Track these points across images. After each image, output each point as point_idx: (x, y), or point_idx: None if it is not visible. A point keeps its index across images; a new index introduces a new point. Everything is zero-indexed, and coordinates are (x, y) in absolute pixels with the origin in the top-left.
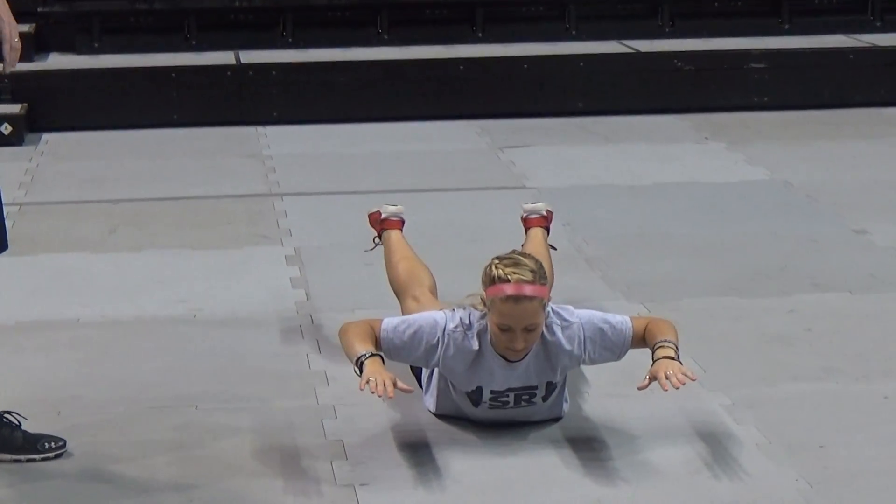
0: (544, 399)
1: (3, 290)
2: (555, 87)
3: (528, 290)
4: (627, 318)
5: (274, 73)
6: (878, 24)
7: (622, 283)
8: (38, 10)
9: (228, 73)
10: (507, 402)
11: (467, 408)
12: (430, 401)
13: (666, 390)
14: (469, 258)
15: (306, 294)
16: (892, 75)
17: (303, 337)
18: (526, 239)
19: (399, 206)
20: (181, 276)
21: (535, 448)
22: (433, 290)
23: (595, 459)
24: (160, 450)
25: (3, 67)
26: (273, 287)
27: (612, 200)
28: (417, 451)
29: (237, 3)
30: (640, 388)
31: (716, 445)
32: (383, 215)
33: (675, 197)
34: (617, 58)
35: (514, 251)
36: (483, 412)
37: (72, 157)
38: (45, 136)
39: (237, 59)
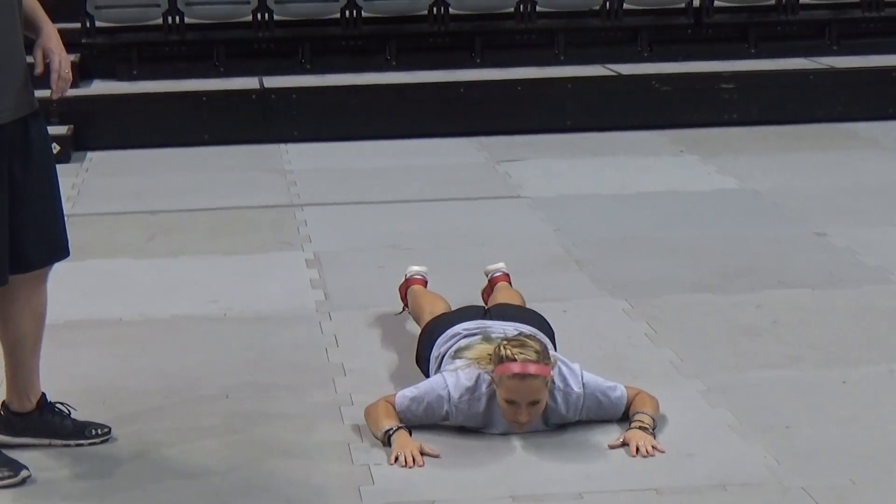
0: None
1: (54, 292)
2: (546, 106)
3: (533, 368)
4: (624, 392)
5: (294, 96)
6: (835, 48)
7: (608, 282)
8: (83, 41)
9: (253, 96)
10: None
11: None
12: None
13: (633, 456)
14: (470, 261)
15: (325, 294)
16: (848, 94)
17: (322, 333)
18: (494, 291)
19: (423, 267)
20: (212, 279)
21: (533, 430)
22: (448, 309)
23: (586, 440)
24: (197, 435)
25: (52, 95)
26: (295, 288)
27: (598, 208)
28: (426, 433)
29: (261, 34)
30: (610, 447)
31: (693, 427)
32: (408, 275)
33: (654, 204)
34: (601, 80)
35: (521, 334)
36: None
37: (114, 173)
38: (90, 155)
39: (261, 84)
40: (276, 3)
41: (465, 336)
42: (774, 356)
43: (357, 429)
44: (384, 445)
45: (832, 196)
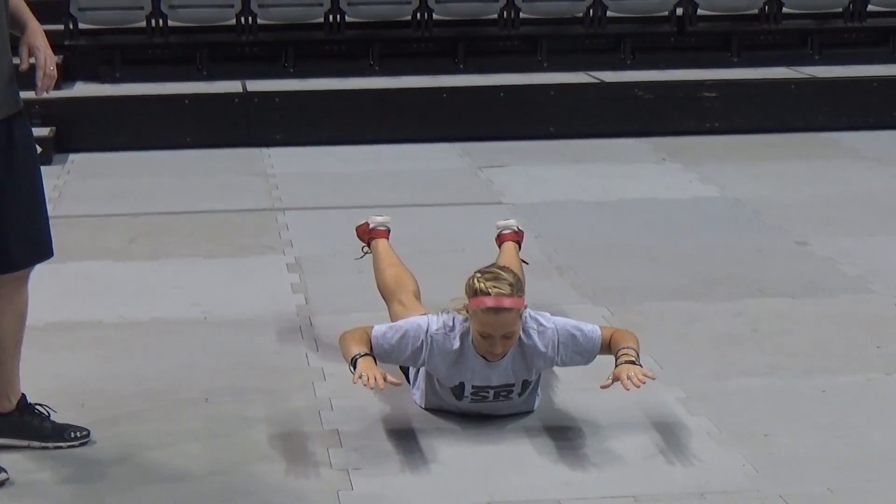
0: (520, 395)
1: (35, 294)
2: (529, 113)
3: (507, 302)
4: (597, 327)
5: (277, 100)
6: (817, 57)
7: (589, 288)
8: (66, 42)
9: (236, 100)
10: (487, 397)
11: (451, 401)
12: (417, 395)
13: (628, 389)
14: (451, 266)
15: (305, 298)
16: (829, 103)
17: (302, 337)
18: (500, 252)
19: (386, 217)
20: (193, 282)
21: (512, 436)
22: (417, 295)
23: (565, 447)
24: (177, 439)
25: (37, 92)
26: (275, 292)
27: (580, 215)
28: (405, 439)
29: (244, 38)
30: (602, 387)
31: (672, 434)
32: (371, 225)
33: (636, 212)
34: (584, 87)
35: (494, 265)
36: (465, 405)
37: (96, 176)
38: (72, 157)
39: (244, 87)
40: (259, 6)
41: None
42: (754, 364)
43: (336, 433)
44: (350, 370)
45: (813, 205)
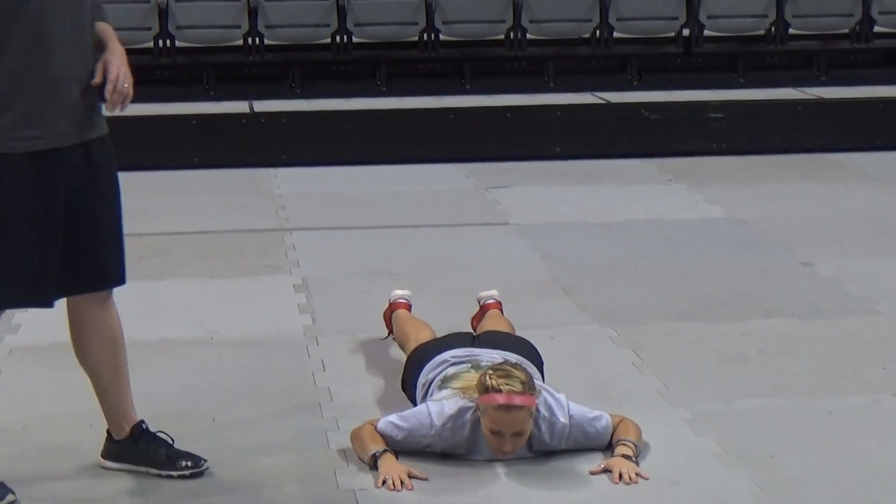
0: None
1: (42, 313)
2: (535, 133)
3: (518, 400)
4: (609, 422)
5: (284, 120)
6: (823, 78)
7: (594, 309)
8: None
9: (243, 120)
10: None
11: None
12: None
13: (616, 483)
14: (457, 286)
15: (312, 319)
16: (835, 125)
17: (309, 357)
18: (485, 318)
19: (407, 291)
20: (200, 302)
21: (518, 459)
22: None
23: (572, 468)
24: None
25: (106, 106)
26: (282, 312)
27: (586, 235)
28: (411, 460)
29: (251, 59)
30: (591, 473)
31: (677, 455)
32: (392, 299)
33: (642, 232)
34: (590, 108)
35: (506, 362)
36: None
37: None
38: None
39: (251, 108)
40: (266, 27)
41: (453, 364)
42: (760, 385)
43: (343, 454)
44: (371, 469)
45: (819, 226)
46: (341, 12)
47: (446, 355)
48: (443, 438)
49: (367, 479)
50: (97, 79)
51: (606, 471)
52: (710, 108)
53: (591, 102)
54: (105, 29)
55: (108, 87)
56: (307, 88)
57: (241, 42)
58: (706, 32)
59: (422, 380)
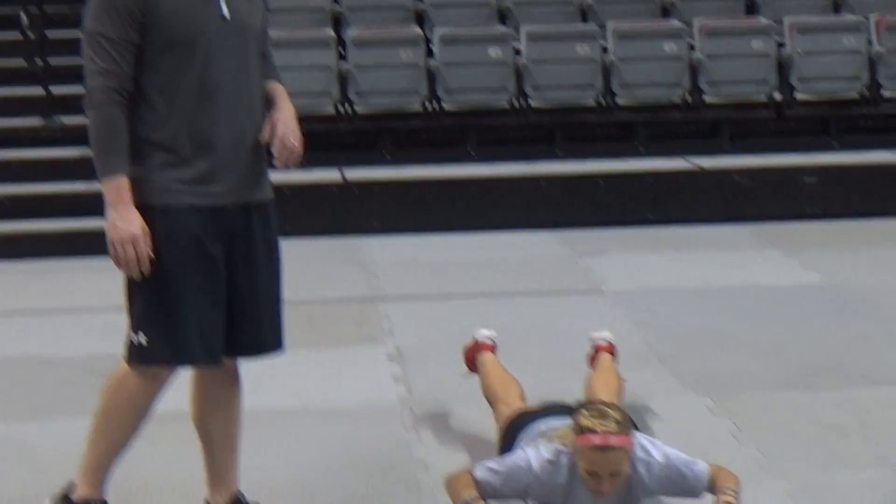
0: None
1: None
2: (627, 199)
3: (614, 440)
4: (706, 468)
5: (376, 188)
6: None
7: (690, 378)
8: None
9: (335, 188)
10: None
11: None
12: None
13: None
14: (552, 356)
15: (407, 388)
16: None
17: (404, 427)
18: (596, 371)
19: (492, 331)
20: (295, 373)
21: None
22: (522, 398)
23: None
24: None
25: (275, 162)
26: (377, 382)
27: (681, 302)
28: None
29: (342, 127)
30: None
31: None
32: (477, 339)
33: (737, 299)
34: (682, 173)
35: (601, 401)
36: None
37: None
38: None
39: (343, 176)
40: (357, 95)
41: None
42: (862, 456)
43: None
44: None
45: None
46: (431, 80)
47: (543, 427)
48: (540, 482)
49: None
50: (266, 136)
51: None
52: (803, 173)
53: (682, 168)
54: (276, 88)
55: (276, 144)
56: (398, 156)
57: (332, 111)
58: (798, 96)
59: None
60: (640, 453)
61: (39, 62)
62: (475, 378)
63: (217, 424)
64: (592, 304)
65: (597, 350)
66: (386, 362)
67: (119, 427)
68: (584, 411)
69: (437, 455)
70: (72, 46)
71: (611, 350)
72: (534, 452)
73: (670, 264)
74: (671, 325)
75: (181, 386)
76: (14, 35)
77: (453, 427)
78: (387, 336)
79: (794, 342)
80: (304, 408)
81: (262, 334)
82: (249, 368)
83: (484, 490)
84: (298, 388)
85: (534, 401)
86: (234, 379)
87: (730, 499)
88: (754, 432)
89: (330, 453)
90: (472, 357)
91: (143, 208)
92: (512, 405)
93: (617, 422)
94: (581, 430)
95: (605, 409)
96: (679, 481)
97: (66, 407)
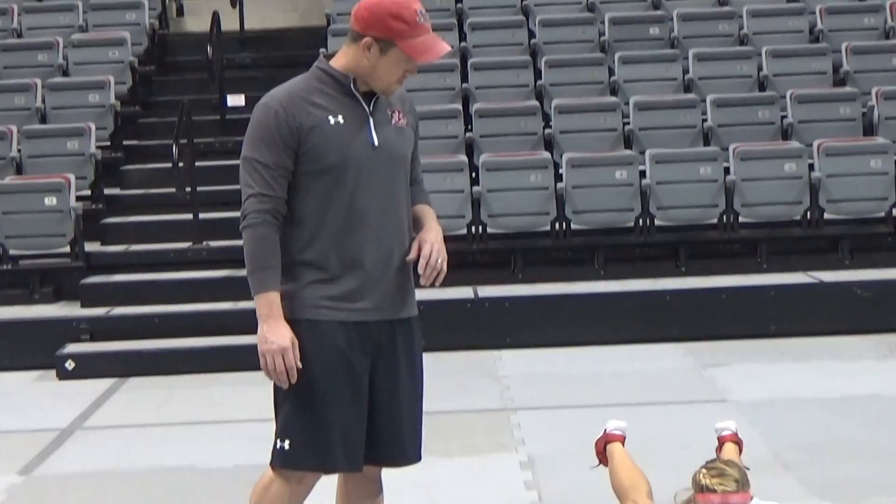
0: None
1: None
2: (750, 313)
3: (734, 499)
4: None
5: (507, 304)
6: None
7: (816, 485)
8: None
9: (468, 305)
10: None
11: None
12: None
13: None
14: (678, 464)
15: (539, 495)
16: None
17: None
18: (721, 452)
19: (622, 422)
20: (430, 480)
21: None
22: (650, 495)
23: None
24: None
25: (421, 280)
26: (509, 489)
27: (804, 411)
28: None
29: (475, 246)
30: None
31: None
32: (608, 430)
33: (861, 408)
34: (803, 287)
35: (718, 459)
36: None
37: None
38: None
39: (475, 293)
40: (489, 216)
41: None
42: None
43: None
44: None
45: None
46: (560, 201)
47: None
48: None
49: None
50: (412, 255)
51: None
52: None
53: (803, 282)
54: (425, 210)
55: (421, 263)
56: (529, 274)
57: (465, 231)
58: None
59: None
60: None
61: (188, 189)
62: (605, 482)
63: None
64: (718, 413)
65: (721, 441)
66: (518, 470)
67: None
68: (703, 470)
69: None
70: (218, 175)
71: (735, 440)
72: None
73: (793, 374)
74: (795, 433)
75: (326, 492)
76: (166, 164)
77: None
78: (518, 445)
79: None
80: None
81: (402, 445)
82: (389, 477)
83: None
84: (435, 496)
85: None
86: (376, 487)
87: None
88: None
89: None
90: (602, 449)
91: (293, 322)
92: (640, 503)
93: (735, 480)
94: (701, 489)
95: (724, 467)
96: None
97: None
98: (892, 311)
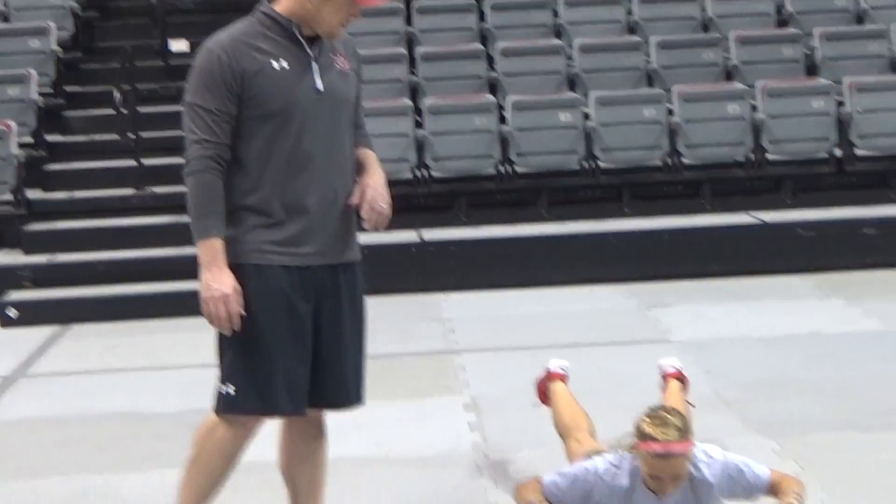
0: None
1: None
2: (693, 254)
3: (676, 447)
4: (767, 470)
5: (452, 248)
6: None
7: (756, 422)
8: None
9: (413, 248)
10: None
11: None
12: None
13: None
14: (622, 403)
15: (482, 436)
16: None
17: (480, 474)
18: (666, 389)
19: (564, 361)
20: (375, 423)
21: None
22: (593, 434)
23: None
24: None
25: (364, 225)
26: (453, 431)
27: (746, 350)
28: None
29: (419, 190)
30: None
31: None
32: (550, 369)
33: (801, 346)
34: (746, 228)
35: (662, 407)
36: None
37: None
38: None
39: (420, 237)
40: (433, 160)
41: None
42: None
43: None
44: None
45: None
46: (504, 144)
47: None
48: (604, 484)
49: None
50: (354, 199)
51: None
52: (864, 225)
53: (746, 222)
54: (368, 155)
55: (365, 207)
56: (473, 217)
57: (410, 175)
58: (857, 152)
59: None
60: (700, 455)
61: (132, 136)
62: (548, 423)
63: (303, 473)
64: (660, 353)
65: (665, 378)
66: (462, 412)
67: (208, 475)
68: (645, 418)
69: (511, 500)
70: (161, 121)
71: (679, 377)
72: (599, 459)
73: (736, 314)
74: (737, 372)
75: (268, 437)
76: (108, 111)
77: (526, 471)
78: (463, 387)
79: (856, 386)
80: (385, 456)
81: (346, 388)
82: (333, 419)
83: (550, 494)
84: (379, 438)
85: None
86: (320, 430)
87: (792, 500)
88: (818, 473)
89: (409, 499)
90: (544, 388)
91: (237, 267)
92: (583, 442)
93: (678, 429)
94: (643, 437)
95: (666, 415)
96: (740, 480)
97: (158, 460)
98: (833, 250)
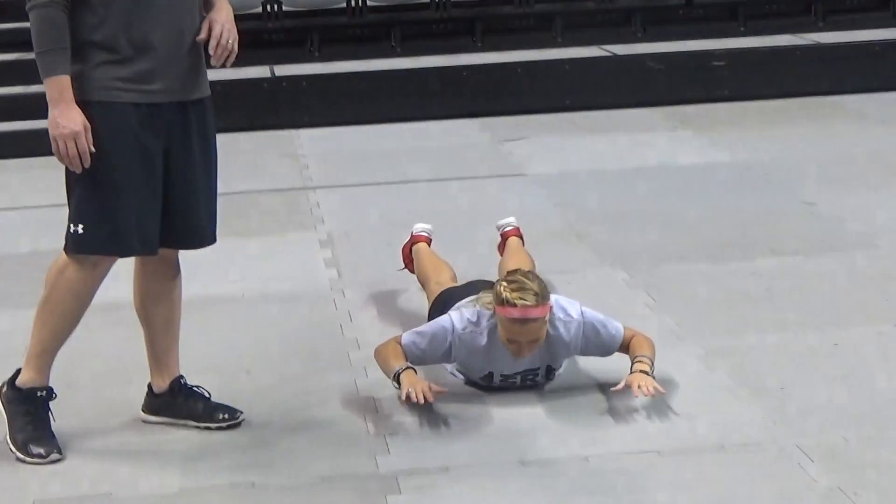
0: (546, 378)
1: None
2: (545, 87)
3: (533, 313)
4: (621, 327)
5: (304, 83)
6: (821, 24)
7: (608, 253)
8: None
9: (265, 84)
10: (515, 383)
11: (480, 384)
12: (450, 367)
13: (636, 396)
14: (476, 236)
15: (338, 272)
16: (834, 69)
17: (336, 309)
18: (506, 253)
19: (428, 225)
20: (230, 261)
21: (537, 398)
22: (453, 279)
23: (589, 406)
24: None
25: (211, 61)
26: (309, 267)
27: (598, 183)
28: (435, 405)
29: (270, 25)
30: (613, 391)
31: (692, 390)
32: (414, 232)
33: (651, 179)
34: (597, 60)
35: (519, 272)
36: (494, 388)
37: None
38: None
39: (272, 72)
40: None
41: None
42: (769, 321)
43: (372, 400)
44: (395, 387)
45: (820, 166)
46: None
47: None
48: (462, 342)
49: (395, 424)
50: (202, 35)
51: (627, 387)
52: (713, 57)
53: (597, 55)
54: None
55: (212, 43)
56: (326, 52)
57: (260, 10)
58: None
59: None
60: (559, 313)
61: None
62: (400, 259)
63: (158, 312)
64: (514, 186)
65: (504, 236)
66: (318, 248)
67: (61, 315)
68: (504, 283)
69: (368, 334)
70: None
71: (518, 234)
72: (457, 315)
73: (587, 147)
74: (589, 204)
75: (123, 277)
76: None
77: (382, 306)
78: (318, 223)
79: (704, 217)
80: (241, 294)
81: (198, 226)
82: (187, 257)
83: (411, 354)
84: (234, 276)
85: (462, 281)
86: (173, 269)
87: (644, 366)
88: (668, 302)
89: (265, 336)
90: (409, 252)
91: (84, 104)
92: (443, 284)
93: (535, 294)
94: (501, 302)
95: (525, 280)
96: (596, 339)
97: (11, 300)
98: (682, 83)
